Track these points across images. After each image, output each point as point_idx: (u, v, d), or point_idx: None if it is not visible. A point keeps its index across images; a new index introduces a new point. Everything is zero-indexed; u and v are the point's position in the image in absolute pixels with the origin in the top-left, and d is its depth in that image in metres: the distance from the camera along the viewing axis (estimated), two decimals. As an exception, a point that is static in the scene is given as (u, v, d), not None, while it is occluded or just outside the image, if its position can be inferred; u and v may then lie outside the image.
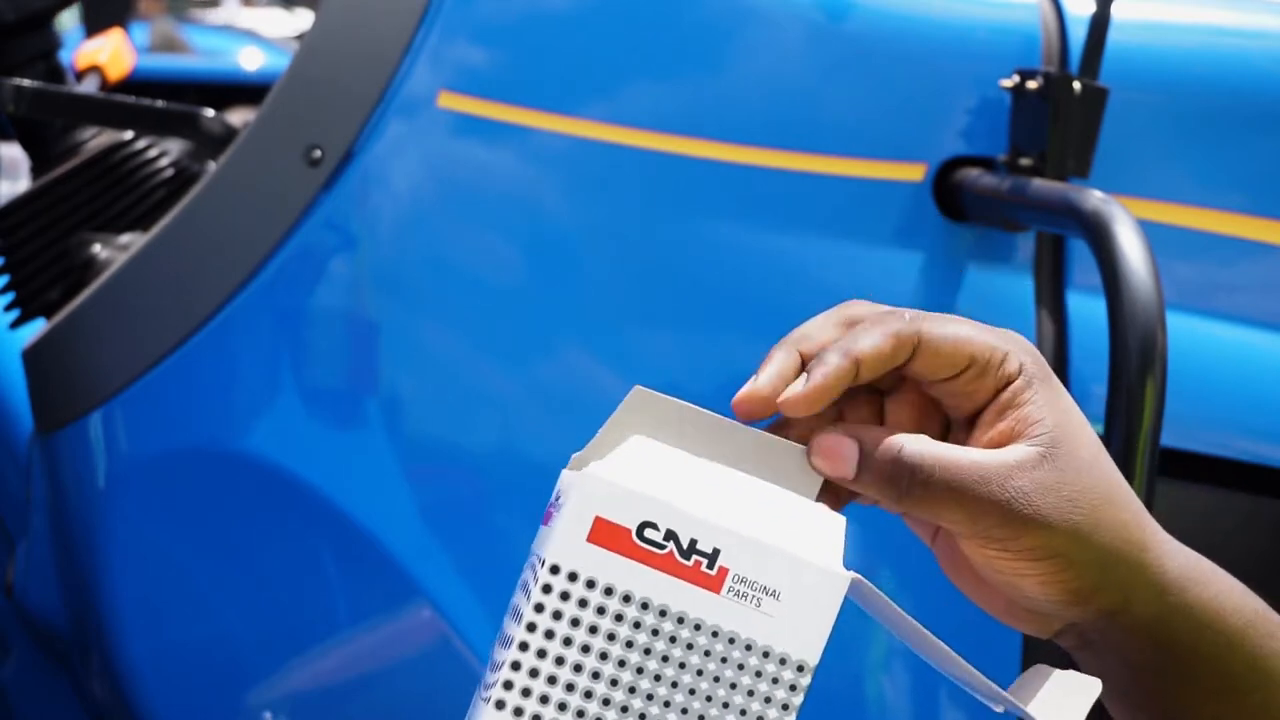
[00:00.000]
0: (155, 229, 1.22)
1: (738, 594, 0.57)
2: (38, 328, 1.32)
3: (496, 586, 1.21)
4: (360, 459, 1.20)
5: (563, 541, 0.58)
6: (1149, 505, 1.05)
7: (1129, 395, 1.05)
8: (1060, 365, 1.25)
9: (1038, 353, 0.66)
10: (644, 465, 0.59)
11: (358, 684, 1.23)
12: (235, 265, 1.19)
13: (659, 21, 1.23)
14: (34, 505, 1.31)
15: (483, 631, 1.20)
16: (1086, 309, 1.25)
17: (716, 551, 0.57)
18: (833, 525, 0.60)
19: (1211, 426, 1.27)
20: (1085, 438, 0.66)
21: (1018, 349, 0.66)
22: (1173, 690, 0.67)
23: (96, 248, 1.33)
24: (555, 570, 0.58)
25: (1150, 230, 1.11)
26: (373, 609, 1.22)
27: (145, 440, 1.22)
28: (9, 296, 1.39)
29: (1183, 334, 1.19)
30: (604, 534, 0.58)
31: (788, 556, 0.57)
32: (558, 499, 0.61)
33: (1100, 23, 1.19)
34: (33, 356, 1.25)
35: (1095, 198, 1.11)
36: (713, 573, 0.57)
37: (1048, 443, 0.65)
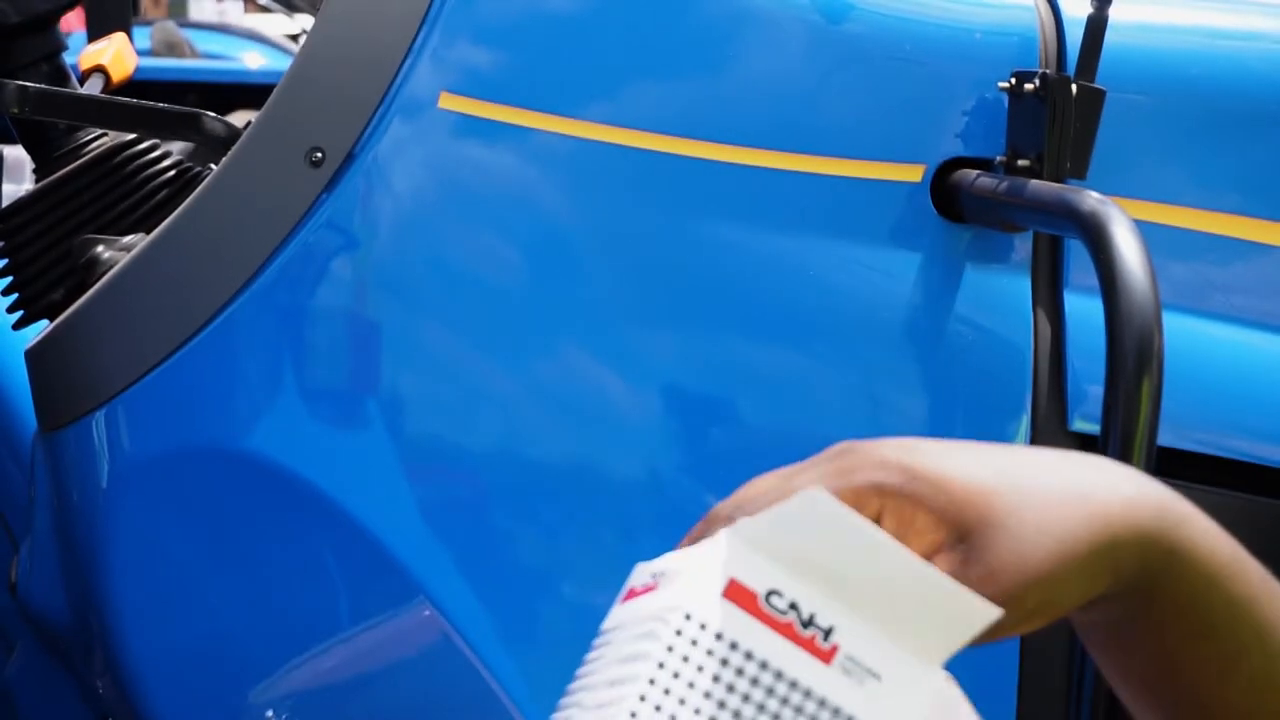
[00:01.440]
0: (158, 230, 1.22)
1: (845, 670, 0.61)
2: (41, 328, 1.33)
3: (496, 586, 1.22)
4: (361, 459, 1.21)
5: (700, 594, 0.62)
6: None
7: (1126, 396, 1.06)
8: (1057, 365, 1.25)
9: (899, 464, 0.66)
10: (785, 537, 0.62)
11: (358, 682, 1.23)
12: (237, 266, 1.19)
13: (659, 23, 1.24)
14: (37, 504, 1.32)
15: (483, 631, 1.20)
16: (1084, 310, 1.25)
17: (831, 629, 0.61)
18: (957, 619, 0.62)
19: (1209, 427, 1.27)
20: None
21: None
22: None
23: (99, 249, 1.33)
24: (688, 618, 0.61)
25: (1148, 231, 1.11)
26: (373, 608, 1.22)
27: (148, 440, 1.22)
28: (12, 297, 1.39)
29: (1180, 335, 1.19)
30: (736, 593, 0.62)
31: (887, 647, 0.61)
32: (667, 570, 0.64)
33: (1097, 25, 1.20)
34: (36, 357, 1.25)
35: (1092, 199, 1.11)
36: (826, 646, 0.61)
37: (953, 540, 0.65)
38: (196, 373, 1.20)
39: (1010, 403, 1.25)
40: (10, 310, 1.39)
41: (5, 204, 1.39)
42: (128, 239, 1.35)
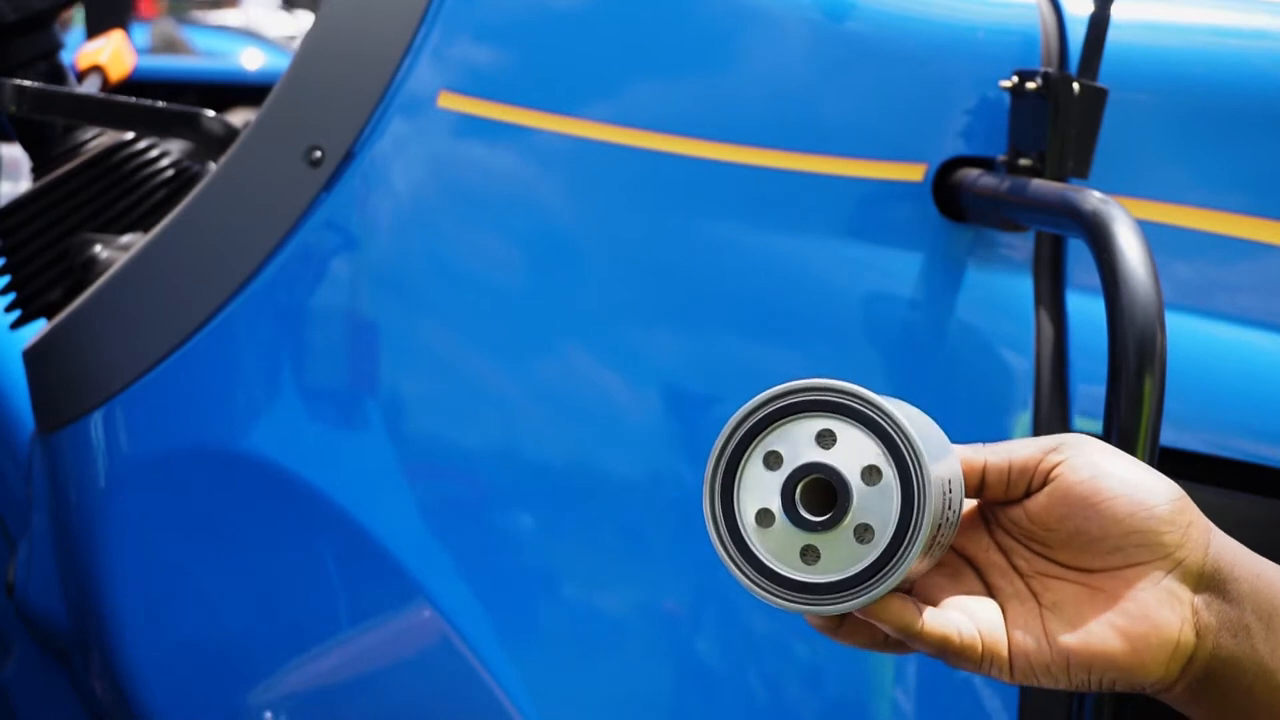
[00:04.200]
0: (156, 229, 1.22)
1: None
2: (39, 328, 1.33)
3: (496, 587, 1.22)
4: (360, 459, 1.20)
5: None
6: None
7: (1128, 395, 1.05)
8: (1059, 365, 1.25)
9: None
10: None
11: (358, 683, 1.23)
12: (236, 265, 1.19)
13: (659, 22, 1.23)
14: (35, 505, 1.31)
15: (482, 632, 1.20)
16: (1086, 309, 1.25)
17: None
18: None
19: (1210, 426, 1.27)
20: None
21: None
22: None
23: (97, 248, 1.33)
24: None
25: (1150, 230, 1.11)
26: (373, 609, 1.22)
27: (146, 440, 1.22)
28: (10, 297, 1.39)
29: (1182, 334, 1.19)
30: None
31: None
32: None
33: (1099, 23, 1.20)
34: (34, 357, 1.25)
35: (1094, 198, 1.11)
36: None
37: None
38: (195, 373, 1.20)
39: (1012, 402, 1.25)
40: (8, 309, 1.39)
41: (3, 203, 1.39)
42: (126, 238, 1.35)
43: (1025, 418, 1.25)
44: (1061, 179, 1.19)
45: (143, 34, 5.15)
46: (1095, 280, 1.10)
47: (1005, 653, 0.77)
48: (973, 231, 1.25)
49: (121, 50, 1.53)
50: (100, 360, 1.21)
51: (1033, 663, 0.77)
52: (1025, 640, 0.77)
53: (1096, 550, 0.77)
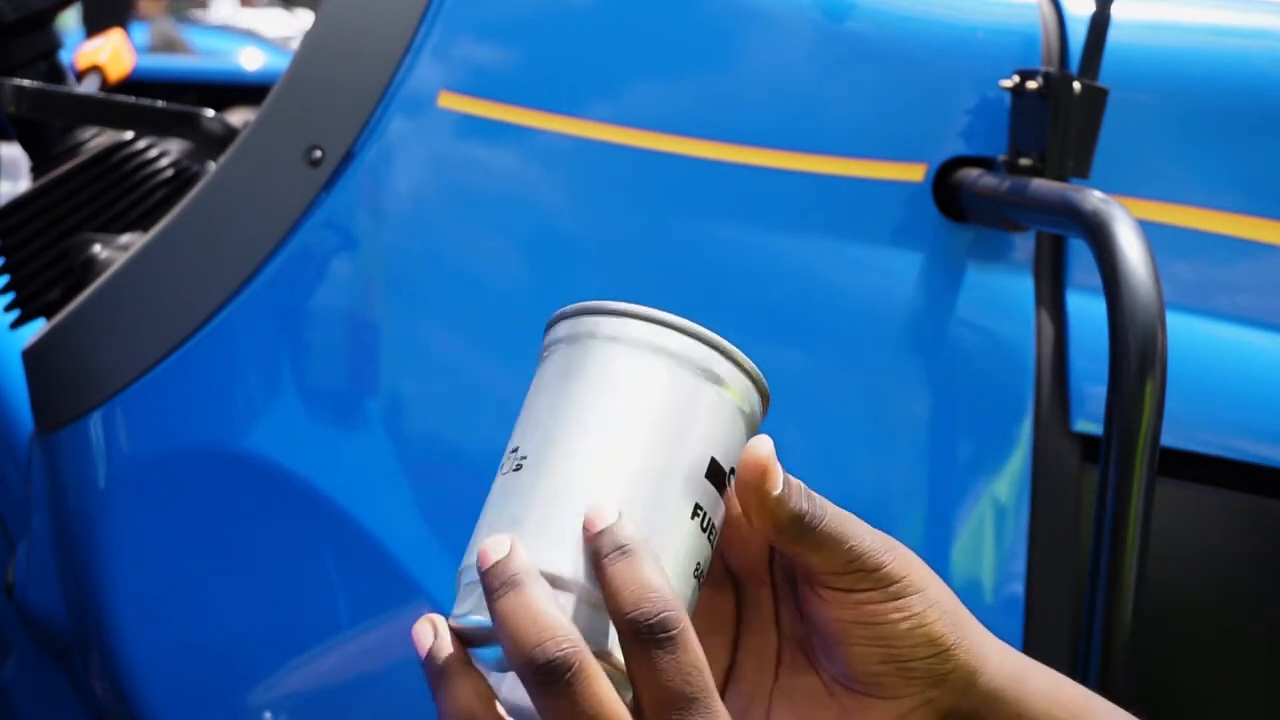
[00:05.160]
0: (155, 229, 1.22)
1: None
2: (38, 328, 1.32)
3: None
4: (360, 459, 1.20)
5: None
6: (1148, 505, 1.05)
7: (1129, 395, 1.05)
8: (1060, 365, 1.25)
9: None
10: None
11: (358, 684, 1.22)
12: (235, 265, 1.19)
13: (659, 22, 1.23)
14: (34, 505, 1.31)
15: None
16: (1086, 309, 1.25)
17: None
18: None
19: (1211, 426, 1.27)
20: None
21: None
22: None
23: (97, 248, 1.33)
24: None
25: (1150, 230, 1.11)
26: (373, 609, 1.22)
27: (145, 440, 1.22)
28: (9, 296, 1.39)
29: (1183, 334, 1.19)
30: None
31: None
32: None
33: (1100, 23, 1.19)
34: (33, 356, 1.25)
35: (1095, 198, 1.11)
36: None
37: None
38: (195, 373, 1.20)
39: (1013, 403, 1.25)
40: (7, 309, 1.39)
41: (2, 202, 1.39)
42: (125, 238, 1.35)
43: (1025, 418, 1.25)
44: (1062, 179, 1.19)
45: (142, 34, 5.15)
46: (1096, 280, 1.10)
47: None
48: (973, 231, 1.25)
49: (121, 50, 1.53)
50: (100, 360, 1.21)
51: None
52: (737, 704, 0.73)
53: (841, 674, 0.72)
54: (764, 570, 0.74)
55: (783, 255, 1.23)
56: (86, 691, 1.30)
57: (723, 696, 0.72)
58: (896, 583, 0.70)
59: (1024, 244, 1.26)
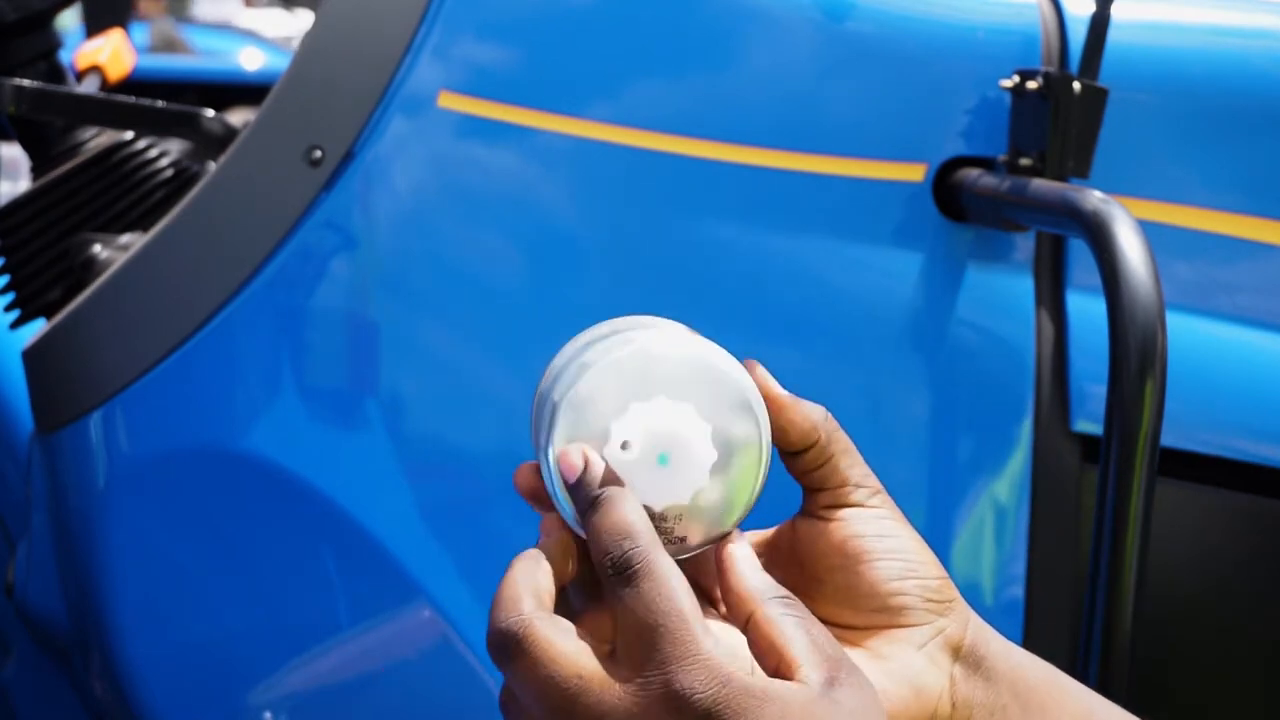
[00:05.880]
0: (155, 229, 1.22)
1: None
2: (38, 328, 1.32)
3: (496, 587, 1.21)
4: (360, 459, 1.20)
5: None
6: (1148, 505, 1.05)
7: (1129, 395, 1.05)
8: (1060, 365, 1.25)
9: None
10: None
11: (358, 684, 1.22)
12: (235, 265, 1.19)
13: (660, 22, 1.23)
14: (34, 505, 1.31)
15: (483, 632, 1.20)
16: (1086, 309, 1.25)
17: None
18: None
19: (1211, 426, 1.27)
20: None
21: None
22: None
23: (97, 248, 1.33)
24: None
25: (1150, 230, 1.11)
26: (373, 609, 1.22)
27: (145, 440, 1.22)
28: (9, 296, 1.39)
29: (1183, 334, 1.19)
30: None
31: None
32: None
33: (1100, 23, 1.19)
34: (33, 356, 1.25)
35: (1095, 198, 1.11)
36: None
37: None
38: (195, 373, 1.20)
39: (1013, 403, 1.25)
40: (7, 309, 1.39)
41: (2, 202, 1.39)
42: (125, 238, 1.35)
43: (1025, 418, 1.25)
44: (1062, 179, 1.19)
45: (142, 34, 5.15)
46: (1095, 280, 1.10)
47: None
48: (973, 231, 1.25)
49: (120, 50, 1.53)
50: (100, 360, 1.21)
51: None
52: None
53: (862, 607, 0.76)
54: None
55: (783, 255, 1.23)
56: (86, 691, 1.30)
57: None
58: (893, 513, 0.77)
59: (1024, 244, 1.26)
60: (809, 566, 0.78)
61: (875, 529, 0.76)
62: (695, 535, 0.73)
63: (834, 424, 0.78)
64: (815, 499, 0.78)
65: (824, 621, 0.75)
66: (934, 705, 0.75)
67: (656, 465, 0.70)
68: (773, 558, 0.80)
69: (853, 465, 0.77)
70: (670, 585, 0.66)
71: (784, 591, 0.69)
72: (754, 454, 0.72)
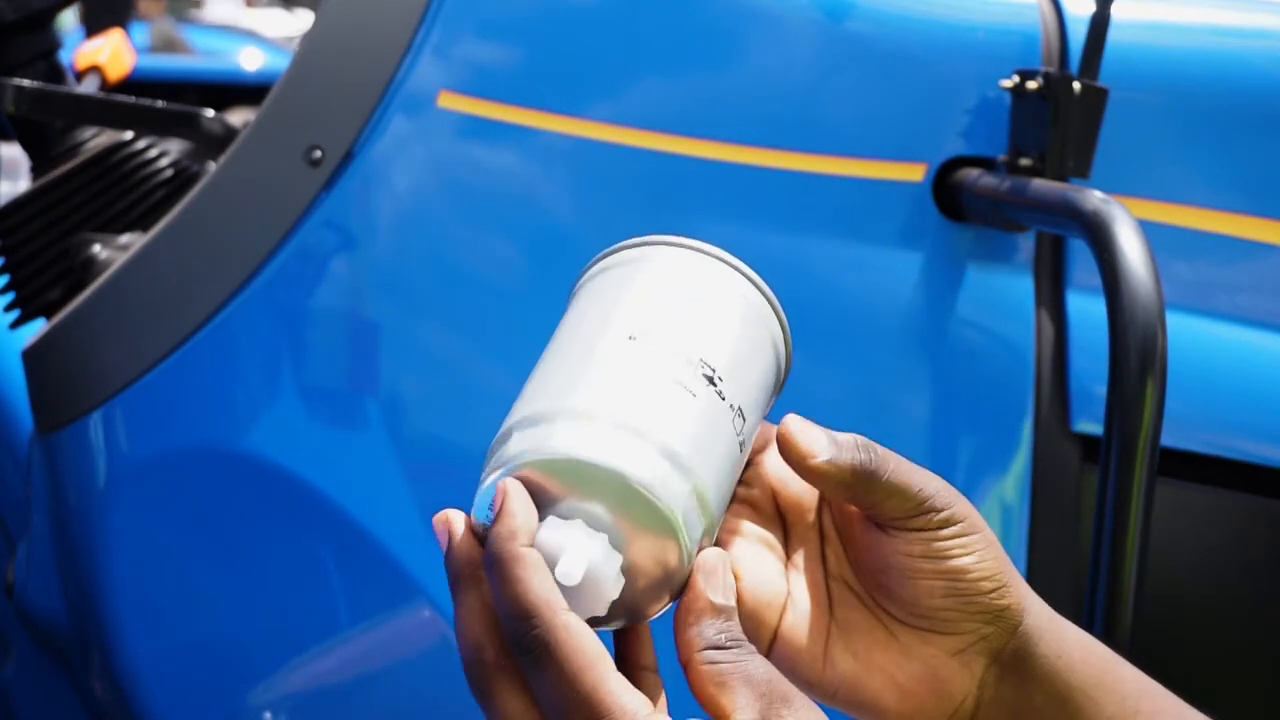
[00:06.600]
0: (155, 229, 1.22)
1: None
2: (38, 328, 1.32)
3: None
4: (360, 459, 1.20)
5: None
6: (1149, 505, 1.05)
7: (1129, 395, 1.05)
8: (1060, 365, 1.25)
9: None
10: None
11: (357, 684, 1.22)
12: (235, 265, 1.19)
13: (660, 22, 1.23)
14: (34, 505, 1.31)
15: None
16: (1086, 309, 1.25)
17: None
18: None
19: (1211, 426, 1.27)
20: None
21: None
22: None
23: (96, 248, 1.33)
24: None
25: (1150, 230, 1.11)
26: (373, 609, 1.22)
27: (145, 440, 1.22)
28: (9, 296, 1.39)
29: (1183, 334, 1.19)
30: None
31: None
32: None
33: (1100, 23, 1.19)
34: (33, 357, 1.25)
35: (1095, 198, 1.11)
36: None
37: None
38: (194, 373, 1.20)
39: (1013, 403, 1.25)
40: (7, 309, 1.39)
41: (2, 202, 1.39)
42: (125, 238, 1.35)
43: (1025, 418, 1.25)
44: (1062, 179, 1.19)
45: (142, 34, 5.15)
46: (1095, 280, 1.10)
47: (769, 632, 0.74)
48: (973, 232, 1.25)
49: (120, 50, 1.53)
50: (100, 360, 1.21)
51: (794, 661, 0.74)
52: (796, 636, 0.75)
53: (905, 609, 0.75)
54: (811, 513, 0.77)
55: (783, 255, 1.23)
56: (86, 691, 1.30)
57: (780, 625, 0.75)
58: (960, 522, 0.73)
59: (1024, 244, 1.26)
60: (850, 549, 0.77)
61: (927, 551, 0.73)
62: (617, 617, 0.69)
63: (879, 460, 0.73)
64: (871, 515, 0.75)
65: (863, 594, 0.75)
66: (954, 706, 0.75)
67: (565, 579, 0.66)
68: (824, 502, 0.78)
69: (905, 499, 0.73)
70: (577, 662, 0.63)
71: (729, 636, 0.67)
72: (678, 568, 0.68)
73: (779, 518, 0.78)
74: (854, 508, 0.76)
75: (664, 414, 0.67)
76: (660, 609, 0.69)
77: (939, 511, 0.73)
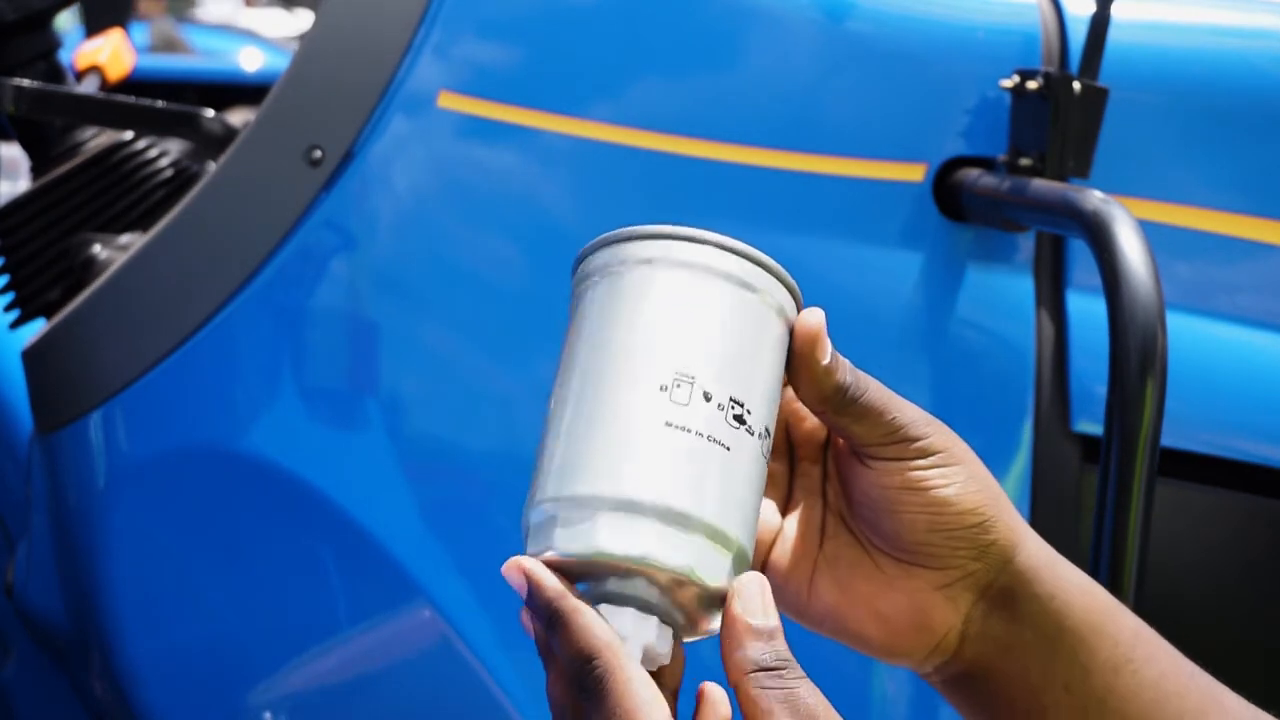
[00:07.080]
0: (155, 229, 1.22)
1: None
2: (38, 328, 1.32)
3: (496, 586, 1.21)
4: (360, 459, 1.20)
5: None
6: (1149, 505, 1.05)
7: (1129, 395, 1.05)
8: (1060, 365, 1.25)
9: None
10: None
11: (358, 684, 1.22)
12: (235, 265, 1.19)
13: (660, 22, 1.23)
14: (34, 505, 1.31)
15: (483, 631, 1.20)
16: (1086, 309, 1.25)
17: None
18: None
19: (1211, 426, 1.27)
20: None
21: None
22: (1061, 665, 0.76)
23: (96, 248, 1.33)
24: None
25: (1150, 230, 1.11)
26: (373, 609, 1.22)
27: (145, 440, 1.22)
28: (9, 296, 1.39)
29: (1183, 334, 1.19)
30: None
31: None
32: None
33: (1100, 23, 1.19)
34: (33, 357, 1.25)
35: (1095, 198, 1.11)
36: None
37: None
38: (194, 373, 1.20)
39: (1013, 403, 1.25)
40: (7, 309, 1.39)
41: (2, 203, 1.39)
42: (125, 238, 1.35)
43: (1026, 418, 1.25)
44: (1062, 179, 1.19)
45: (142, 34, 5.15)
46: (1096, 280, 1.10)
47: (756, 564, 0.75)
48: (973, 232, 1.25)
49: (120, 50, 1.53)
50: (99, 360, 1.21)
51: (780, 591, 0.75)
52: (782, 564, 0.76)
53: (890, 543, 0.75)
54: (818, 449, 0.78)
55: (783, 255, 1.23)
56: (86, 691, 1.30)
57: (769, 557, 0.76)
58: (938, 453, 0.73)
59: (1024, 244, 1.26)
60: (839, 480, 0.77)
61: (905, 481, 0.73)
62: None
63: (862, 385, 0.73)
64: (850, 442, 0.76)
65: (855, 530, 0.76)
66: (938, 638, 0.75)
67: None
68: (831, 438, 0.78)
69: (874, 424, 0.73)
70: (633, 701, 0.65)
71: (775, 656, 0.68)
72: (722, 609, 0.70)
73: (788, 450, 0.79)
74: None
75: (706, 490, 0.68)
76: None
77: (913, 441, 0.73)
